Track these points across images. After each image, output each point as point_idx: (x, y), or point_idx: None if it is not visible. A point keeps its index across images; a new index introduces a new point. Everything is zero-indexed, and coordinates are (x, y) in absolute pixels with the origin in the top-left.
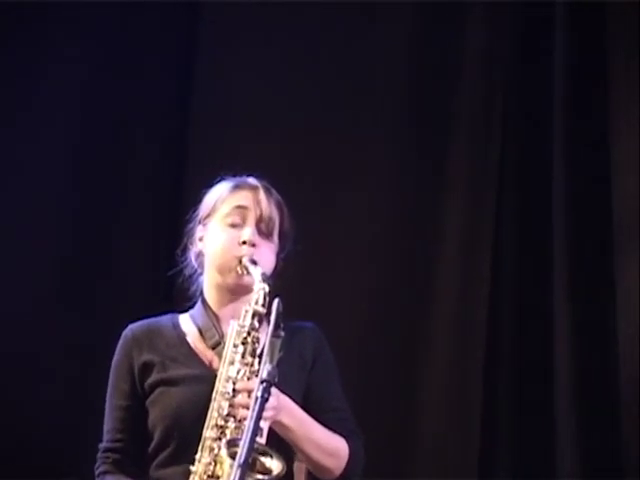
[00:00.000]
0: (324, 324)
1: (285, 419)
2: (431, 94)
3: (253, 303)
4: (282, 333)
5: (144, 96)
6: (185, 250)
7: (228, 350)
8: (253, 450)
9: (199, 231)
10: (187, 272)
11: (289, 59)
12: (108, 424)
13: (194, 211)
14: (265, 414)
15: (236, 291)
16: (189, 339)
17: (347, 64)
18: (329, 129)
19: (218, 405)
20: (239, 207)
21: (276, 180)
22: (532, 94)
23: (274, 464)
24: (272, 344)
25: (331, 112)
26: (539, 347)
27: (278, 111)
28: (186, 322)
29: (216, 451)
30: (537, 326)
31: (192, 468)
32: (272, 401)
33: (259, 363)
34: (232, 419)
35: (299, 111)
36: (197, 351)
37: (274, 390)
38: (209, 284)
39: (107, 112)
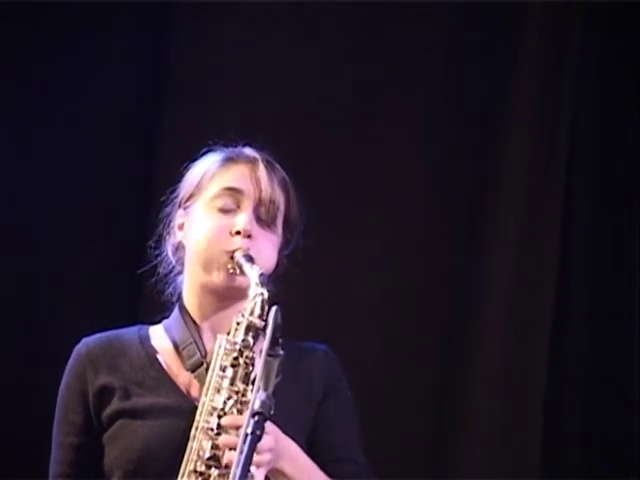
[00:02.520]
0: (340, 343)
1: (286, 467)
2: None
3: (247, 313)
4: (280, 351)
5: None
6: (160, 241)
7: (213, 373)
8: None
9: (179, 217)
10: (162, 270)
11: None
12: (54, 468)
13: (172, 191)
14: (260, 458)
15: (225, 295)
16: (161, 358)
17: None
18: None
19: (198, 445)
20: (231, 189)
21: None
22: (605, 86)
23: None
24: (267, 365)
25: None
26: (613, 334)
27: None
28: (158, 336)
29: None
30: (612, 329)
31: None
32: (269, 442)
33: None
34: (216, 464)
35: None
36: (171, 374)
37: (272, 427)
38: (190, 286)
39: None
